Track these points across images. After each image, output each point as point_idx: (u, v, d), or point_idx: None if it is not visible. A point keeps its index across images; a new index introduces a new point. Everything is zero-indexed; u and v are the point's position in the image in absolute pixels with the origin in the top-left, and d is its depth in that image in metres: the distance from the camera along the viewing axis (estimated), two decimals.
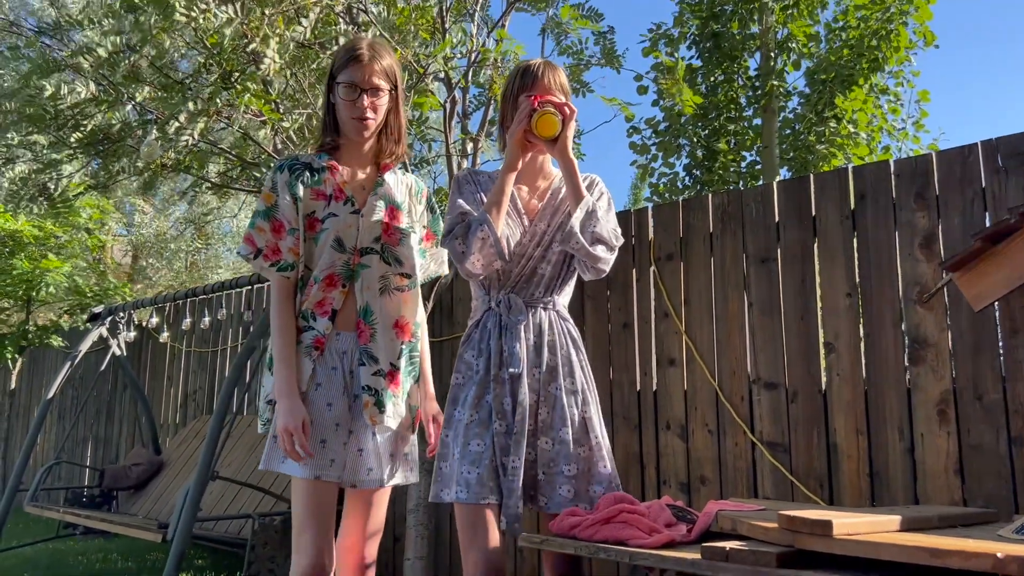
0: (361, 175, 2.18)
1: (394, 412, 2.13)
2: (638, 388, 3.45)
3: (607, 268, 2.05)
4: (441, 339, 4.20)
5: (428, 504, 3.57)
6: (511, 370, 1.98)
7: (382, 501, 2.18)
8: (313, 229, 2.10)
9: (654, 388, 3.40)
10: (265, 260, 2.08)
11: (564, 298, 2.14)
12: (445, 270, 2.41)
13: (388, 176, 2.21)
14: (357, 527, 2.15)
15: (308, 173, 2.12)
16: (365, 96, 2.07)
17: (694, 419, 3.26)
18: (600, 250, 2.00)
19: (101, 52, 3.01)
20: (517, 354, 1.98)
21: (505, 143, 2.11)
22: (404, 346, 2.18)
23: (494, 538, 1.88)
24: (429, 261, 2.35)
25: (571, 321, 2.14)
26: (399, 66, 2.19)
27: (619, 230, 2.10)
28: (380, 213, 2.15)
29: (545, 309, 2.07)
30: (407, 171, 2.36)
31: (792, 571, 1.38)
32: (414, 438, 2.23)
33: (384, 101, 2.12)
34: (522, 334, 2.02)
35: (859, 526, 1.42)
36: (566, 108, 1.99)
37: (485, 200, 2.09)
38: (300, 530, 1.99)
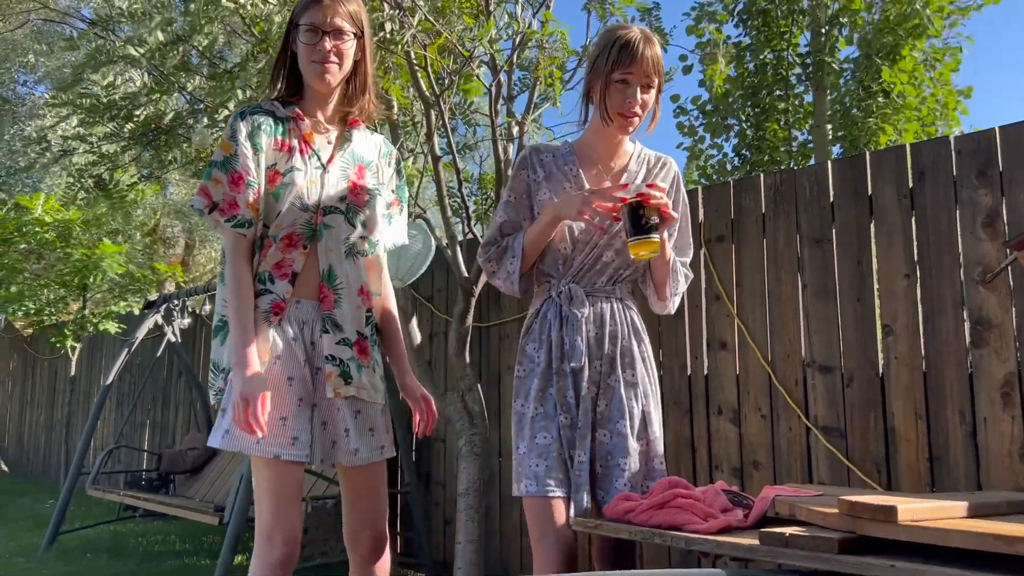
0: (327, 130, 2.02)
1: (368, 383, 1.99)
2: (689, 372, 3.40)
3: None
4: (488, 325, 4.20)
5: (479, 487, 3.58)
6: (572, 365, 1.94)
7: (381, 478, 2.04)
8: (273, 183, 1.91)
9: (705, 372, 3.35)
10: (221, 215, 1.88)
11: (629, 285, 2.09)
12: (405, 240, 2.21)
13: (356, 132, 2.06)
14: (360, 510, 2.02)
15: (272, 122, 1.95)
16: (327, 39, 1.91)
17: (746, 403, 3.21)
18: (676, 302, 2.10)
19: (152, 42, 3.05)
20: (579, 348, 1.94)
21: (586, 115, 2.03)
22: (370, 315, 2.04)
23: (565, 528, 1.85)
24: (394, 228, 2.18)
25: (635, 310, 2.08)
26: (366, 12, 2.03)
27: (689, 266, 2.14)
28: (347, 171, 2.01)
29: (608, 299, 2.01)
30: (376, 131, 2.20)
31: (854, 557, 1.34)
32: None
33: (349, 47, 1.96)
34: (583, 326, 1.96)
35: (924, 512, 1.38)
36: (670, 214, 1.84)
37: (545, 184, 2.01)
38: (267, 517, 1.83)
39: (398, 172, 2.19)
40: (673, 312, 2.12)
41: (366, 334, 2.01)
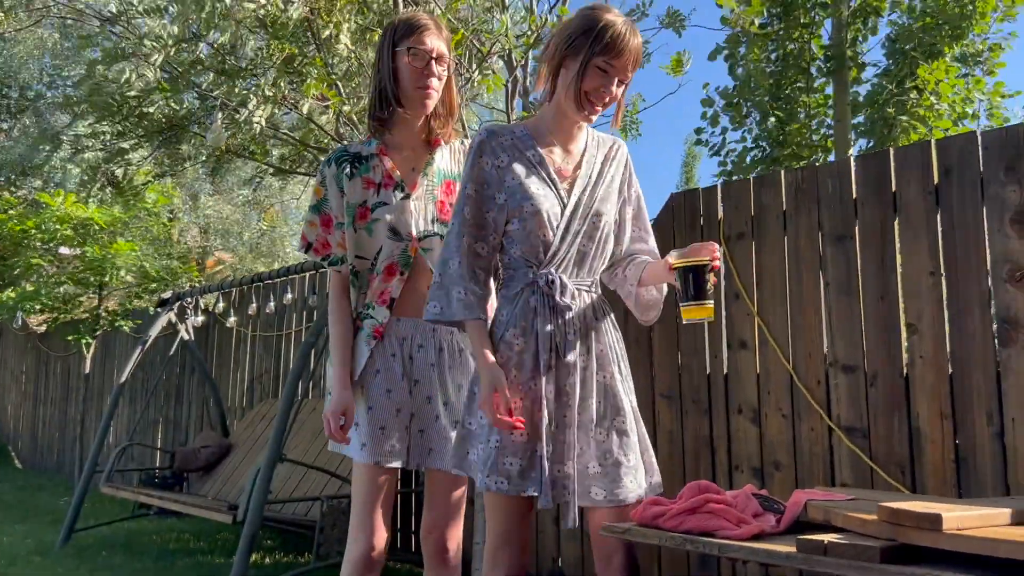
0: (411, 155, 2.13)
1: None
2: (708, 371, 3.37)
3: None
4: None
5: None
6: (567, 359, 1.84)
7: (460, 487, 2.15)
8: (365, 219, 2.07)
9: (725, 372, 3.31)
10: (316, 254, 2.12)
11: (599, 276, 2.02)
12: None
13: (438, 152, 2.16)
14: (433, 511, 2.14)
15: (356, 163, 2.09)
16: (433, 63, 2.04)
17: (767, 403, 3.17)
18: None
19: (167, 38, 3.03)
20: (570, 342, 1.85)
21: (552, 87, 1.90)
22: None
23: (528, 531, 1.83)
24: None
25: (608, 304, 2.00)
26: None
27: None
28: (434, 192, 2.11)
29: (587, 292, 1.93)
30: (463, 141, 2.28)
31: (897, 567, 1.31)
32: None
33: (444, 72, 2.09)
34: (573, 320, 1.88)
35: (969, 520, 1.34)
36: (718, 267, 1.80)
37: (512, 169, 1.88)
38: (356, 514, 2.02)
39: None
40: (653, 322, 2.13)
41: (463, 346, 2.11)
